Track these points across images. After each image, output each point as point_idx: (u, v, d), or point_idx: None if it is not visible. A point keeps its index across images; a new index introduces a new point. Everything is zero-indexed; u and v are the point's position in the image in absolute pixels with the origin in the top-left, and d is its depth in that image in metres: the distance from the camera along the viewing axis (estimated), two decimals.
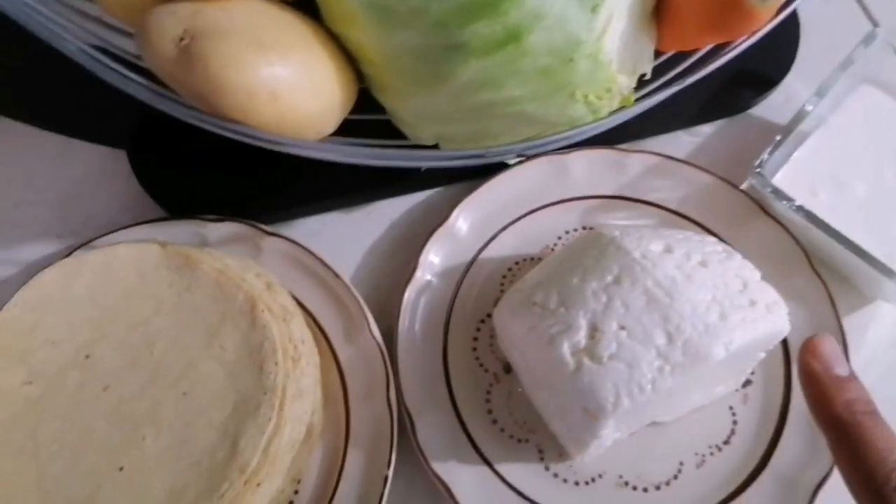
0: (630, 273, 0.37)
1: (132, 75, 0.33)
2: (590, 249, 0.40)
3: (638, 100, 0.38)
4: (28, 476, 0.38)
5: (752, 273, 0.39)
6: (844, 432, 0.27)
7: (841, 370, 0.28)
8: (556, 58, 0.32)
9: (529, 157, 0.49)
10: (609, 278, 0.38)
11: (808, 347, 0.29)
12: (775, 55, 0.55)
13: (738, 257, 0.40)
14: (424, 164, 0.37)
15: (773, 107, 0.55)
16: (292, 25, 0.33)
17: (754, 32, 0.38)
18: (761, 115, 0.55)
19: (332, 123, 0.35)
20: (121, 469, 0.38)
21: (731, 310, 0.36)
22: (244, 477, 0.37)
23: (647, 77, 0.38)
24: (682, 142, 0.54)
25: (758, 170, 0.45)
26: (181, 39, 0.30)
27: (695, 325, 0.35)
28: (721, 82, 0.54)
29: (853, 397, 0.28)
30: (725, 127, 0.54)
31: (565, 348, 0.36)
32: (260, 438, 0.38)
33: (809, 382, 0.29)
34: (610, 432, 0.37)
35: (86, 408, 0.39)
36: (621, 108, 0.37)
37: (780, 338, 0.39)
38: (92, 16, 0.37)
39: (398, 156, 0.35)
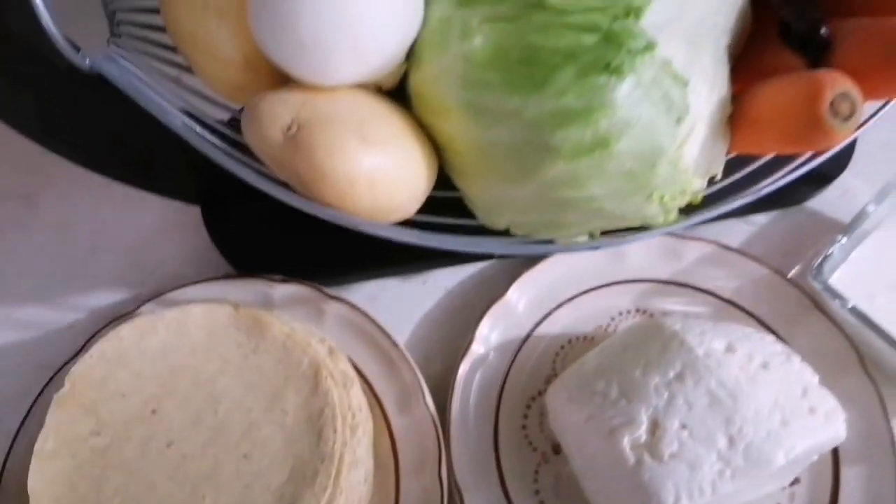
0: (693, 371, 0.38)
1: (236, 153, 0.34)
2: (651, 341, 0.41)
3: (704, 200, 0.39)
4: None
5: (811, 377, 0.39)
6: None
7: None
8: (639, 163, 0.33)
9: None
10: (672, 374, 0.38)
11: None
12: (833, 153, 0.56)
13: (797, 360, 0.40)
14: (497, 252, 0.38)
15: (828, 201, 0.56)
16: (388, 116, 0.34)
17: (828, 149, 0.40)
18: (816, 209, 0.56)
19: (416, 207, 0.37)
20: None
21: (793, 416, 0.37)
22: None
23: (717, 179, 0.39)
24: (736, 229, 0.54)
25: (815, 268, 0.46)
26: (289, 128, 0.31)
27: (757, 430, 0.36)
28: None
29: None
30: (780, 218, 0.55)
31: (626, 442, 0.37)
32: None
33: None
34: None
35: (149, 463, 0.40)
36: (691, 210, 0.39)
37: (836, 444, 0.39)
38: (188, 86, 0.40)
39: (472, 243, 0.36)
